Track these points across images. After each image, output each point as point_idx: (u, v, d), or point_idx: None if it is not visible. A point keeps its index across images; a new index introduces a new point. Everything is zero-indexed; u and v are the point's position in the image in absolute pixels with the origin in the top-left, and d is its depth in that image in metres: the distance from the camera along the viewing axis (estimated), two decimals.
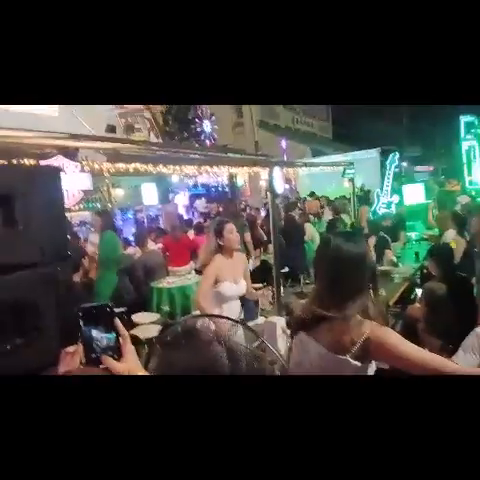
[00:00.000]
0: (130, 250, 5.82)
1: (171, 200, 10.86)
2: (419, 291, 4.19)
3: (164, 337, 1.32)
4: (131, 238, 7.64)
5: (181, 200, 11.47)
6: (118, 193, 9.47)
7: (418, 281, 5.02)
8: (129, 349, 0.85)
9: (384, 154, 11.88)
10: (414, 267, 4.78)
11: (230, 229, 2.63)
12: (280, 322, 2.17)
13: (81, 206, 7.81)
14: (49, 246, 1.39)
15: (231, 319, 1.34)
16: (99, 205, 7.99)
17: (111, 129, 8.26)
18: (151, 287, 4.66)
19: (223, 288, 2.53)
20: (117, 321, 0.85)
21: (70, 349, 0.85)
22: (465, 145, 10.06)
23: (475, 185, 9.97)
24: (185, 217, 9.73)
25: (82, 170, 2.69)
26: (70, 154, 2.41)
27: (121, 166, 3.51)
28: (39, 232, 1.36)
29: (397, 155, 11.32)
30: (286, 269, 6.02)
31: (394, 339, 1.31)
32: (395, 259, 4.78)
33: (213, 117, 12.37)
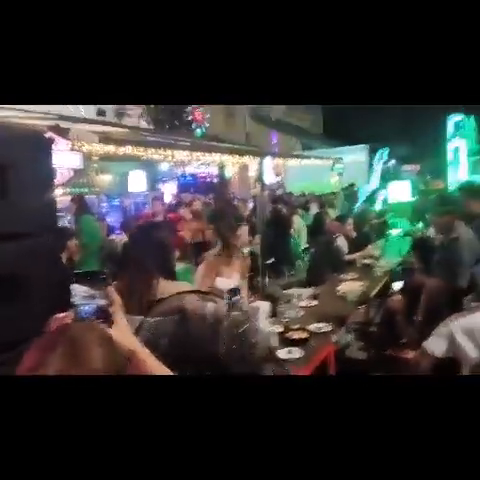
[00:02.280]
0: (115, 237, 5.76)
1: (159, 189, 10.76)
2: (397, 285, 4.27)
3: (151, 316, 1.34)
4: (117, 225, 7.55)
5: (169, 189, 11.37)
6: (105, 179, 9.33)
7: (398, 275, 5.11)
8: (121, 316, 0.87)
9: (373, 151, 11.98)
10: (395, 262, 4.87)
11: (244, 231, 2.88)
12: (263, 306, 2.22)
13: (67, 190, 7.67)
14: (39, 217, 1.39)
15: (221, 297, 1.38)
16: (86, 190, 7.87)
17: (101, 113, 8.16)
18: None
19: (216, 283, 2.61)
20: (110, 288, 0.87)
21: (60, 315, 0.87)
22: (451, 145, 10.15)
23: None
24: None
25: (73, 149, 2.68)
26: (61, 132, 2.39)
27: (111, 149, 3.44)
28: (30, 203, 1.35)
29: (386, 151, 11.35)
30: (271, 260, 6.07)
31: None
32: (377, 253, 4.86)
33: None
